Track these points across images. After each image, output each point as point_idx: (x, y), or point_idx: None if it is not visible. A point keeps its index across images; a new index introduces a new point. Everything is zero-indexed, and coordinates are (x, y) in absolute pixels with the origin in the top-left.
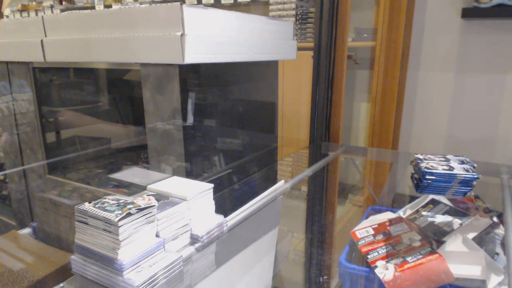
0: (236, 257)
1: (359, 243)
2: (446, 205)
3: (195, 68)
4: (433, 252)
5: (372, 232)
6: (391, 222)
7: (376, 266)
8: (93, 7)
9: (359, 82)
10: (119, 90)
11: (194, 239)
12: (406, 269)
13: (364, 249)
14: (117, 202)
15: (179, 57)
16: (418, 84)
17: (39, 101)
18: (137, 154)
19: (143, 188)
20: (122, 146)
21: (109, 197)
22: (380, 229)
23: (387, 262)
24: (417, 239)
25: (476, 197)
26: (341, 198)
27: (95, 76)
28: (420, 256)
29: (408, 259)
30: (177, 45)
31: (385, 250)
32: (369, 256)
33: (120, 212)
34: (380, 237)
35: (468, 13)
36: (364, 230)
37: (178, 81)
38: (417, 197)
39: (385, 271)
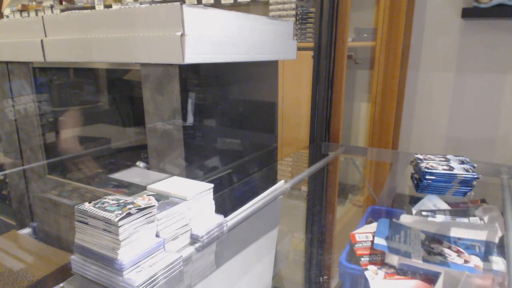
0: (236, 257)
1: (356, 245)
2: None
3: (195, 68)
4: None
5: (371, 238)
6: None
7: (367, 269)
8: (93, 7)
9: (359, 82)
10: (119, 90)
11: (194, 239)
12: (394, 279)
13: (359, 252)
14: (117, 202)
15: (179, 57)
16: (418, 84)
17: (39, 101)
18: (137, 154)
19: (143, 188)
20: (122, 146)
21: (109, 197)
22: None
23: (378, 269)
24: None
25: (483, 200)
26: (341, 198)
27: (95, 76)
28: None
29: (399, 272)
30: (177, 45)
31: (379, 258)
32: (362, 259)
33: (120, 212)
34: None
35: (468, 13)
36: (363, 234)
37: (178, 81)
38: (417, 197)
39: (374, 275)
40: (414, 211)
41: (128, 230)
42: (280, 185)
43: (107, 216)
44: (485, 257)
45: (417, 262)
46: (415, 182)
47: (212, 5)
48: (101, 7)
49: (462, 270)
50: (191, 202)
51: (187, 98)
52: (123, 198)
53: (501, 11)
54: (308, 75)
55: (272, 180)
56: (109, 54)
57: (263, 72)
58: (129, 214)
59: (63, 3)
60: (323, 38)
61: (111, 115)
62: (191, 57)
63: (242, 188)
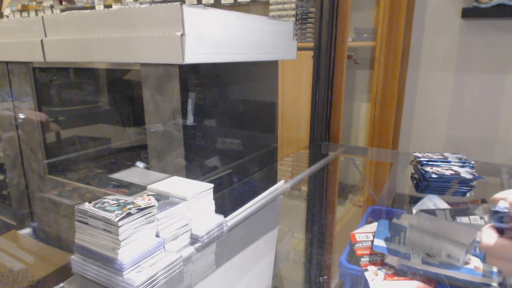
0: (236, 257)
1: (356, 245)
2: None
3: (195, 68)
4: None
5: (371, 238)
6: None
7: (366, 270)
8: (93, 7)
9: (359, 82)
10: (119, 90)
11: (194, 239)
12: (394, 280)
13: (359, 252)
14: (117, 202)
15: (179, 57)
16: (418, 84)
17: (39, 101)
18: (137, 154)
19: (143, 188)
20: (122, 146)
21: (109, 197)
22: None
23: (378, 269)
24: None
25: (483, 201)
26: (341, 198)
27: (95, 76)
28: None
29: (399, 272)
30: (177, 45)
31: (379, 258)
32: (362, 259)
33: (120, 212)
34: None
35: (468, 13)
36: (364, 234)
37: (178, 81)
38: (417, 197)
39: (374, 276)
40: (414, 211)
41: (128, 230)
42: (280, 185)
43: (107, 216)
44: (485, 258)
45: (416, 263)
46: (415, 182)
47: (212, 5)
48: (101, 7)
49: (461, 272)
50: (191, 202)
51: (187, 98)
52: (123, 198)
53: (501, 11)
54: (308, 75)
55: (272, 180)
56: (109, 54)
57: (263, 72)
58: (129, 214)
59: (63, 3)
60: (323, 38)
61: (111, 115)
62: (191, 57)
63: (242, 188)
